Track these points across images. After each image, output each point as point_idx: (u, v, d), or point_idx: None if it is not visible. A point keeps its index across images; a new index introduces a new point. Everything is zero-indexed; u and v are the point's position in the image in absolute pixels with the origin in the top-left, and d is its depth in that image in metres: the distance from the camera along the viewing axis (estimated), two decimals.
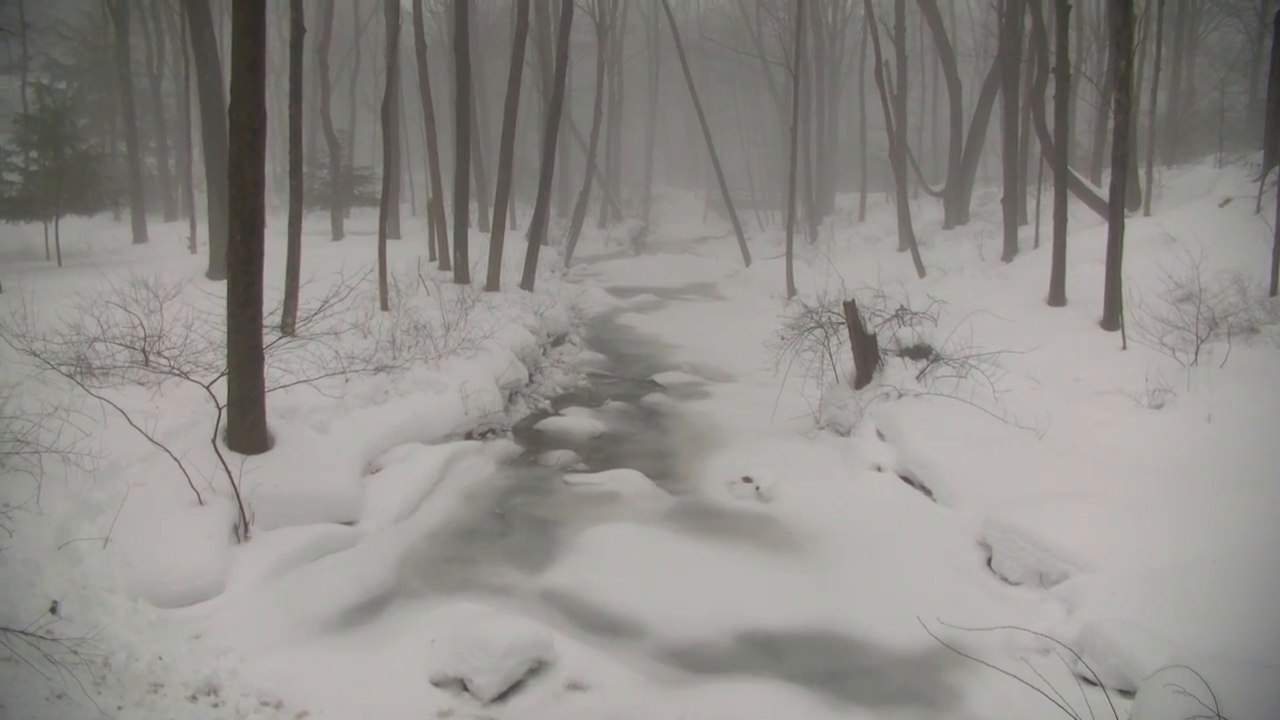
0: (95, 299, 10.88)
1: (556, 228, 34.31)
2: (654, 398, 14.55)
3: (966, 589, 7.78)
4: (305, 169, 25.03)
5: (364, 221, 31.40)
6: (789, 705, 6.07)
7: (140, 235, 24.65)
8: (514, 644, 6.21)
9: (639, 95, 50.96)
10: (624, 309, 24.08)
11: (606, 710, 6.03)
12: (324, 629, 6.94)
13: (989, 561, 8.27)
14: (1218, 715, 4.31)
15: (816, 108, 38.71)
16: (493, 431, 12.24)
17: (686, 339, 19.52)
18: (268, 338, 9.24)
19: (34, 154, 20.80)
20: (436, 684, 6.19)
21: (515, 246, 22.23)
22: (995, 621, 6.75)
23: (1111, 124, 16.02)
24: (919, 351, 12.15)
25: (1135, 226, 15.48)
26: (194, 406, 8.99)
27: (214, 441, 8.40)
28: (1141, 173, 19.74)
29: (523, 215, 33.60)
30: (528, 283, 20.44)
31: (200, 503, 7.81)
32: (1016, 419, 10.16)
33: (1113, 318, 12.89)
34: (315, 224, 26.88)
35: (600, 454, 11.69)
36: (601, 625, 7.17)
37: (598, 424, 12.95)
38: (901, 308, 12.91)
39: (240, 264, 8.42)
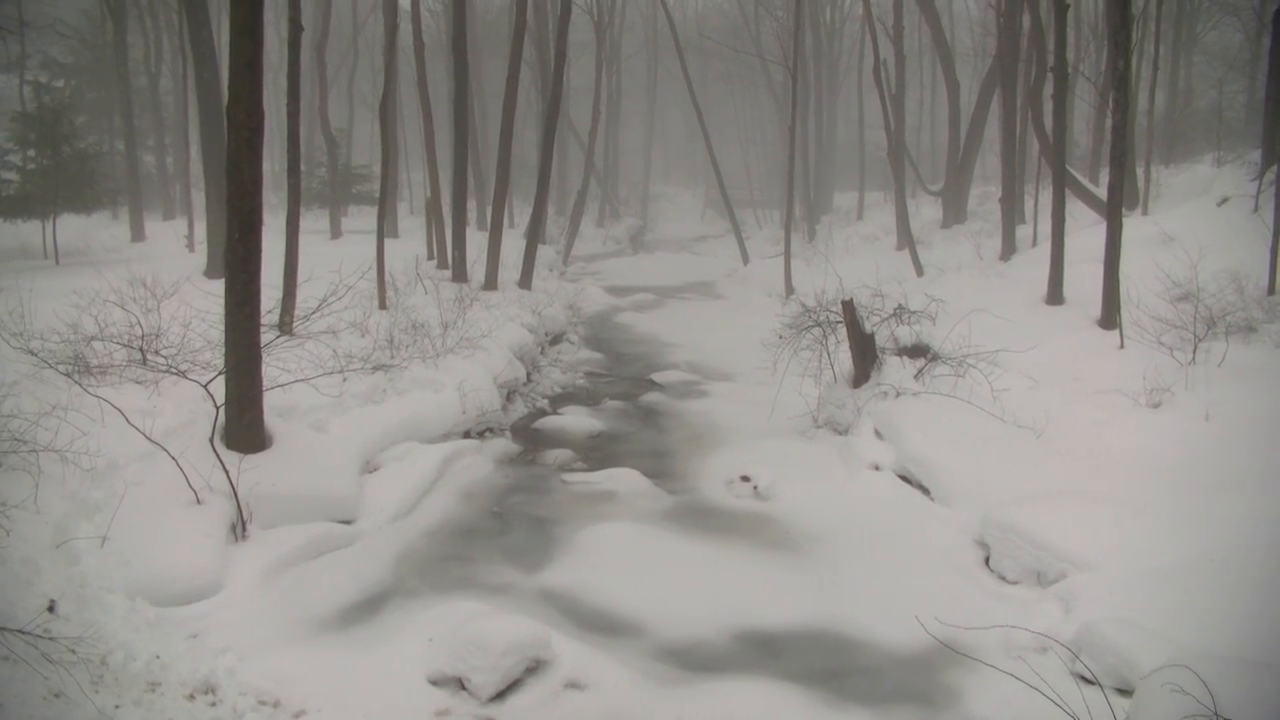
0: (93, 298, 10.88)
1: (555, 226, 34.30)
2: (652, 397, 14.55)
3: (964, 588, 7.78)
4: (303, 167, 25.03)
5: (362, 220, 31.36)
6: (787, 704, 6.07)
7: (138, 234, 24.64)
8: (512, 643, 6.21)
9: (637, 94, 50.97)
10: (622, 308, 24.07)
11: (604, 709, 6.03)
12: (322, 628, 6.93)
13: (987, 560, 8.27)
14: (1215, 714, 4.31)
15: (815, 107, 38.72)
16: (491, 430, 12.24)
17: (684, 338, 19.52)
18: (266, 336, 9.23)
19: (32, 152, 20.78)
20: (434, 683, 6.19)
21: (513, 245, 22.23)
22: (993, 620, 6.75)
23: (1109, 123, 16.01)
24: (917, 350, 12.15)
25: (1133, 225, 15.49)
26: (192, 405, 8.99)
27: (212, 440, 8.39)
28: (1139, 172, 19.76)
29: (521, 214, 33.59)
30: (526, 281, 20.44)
31: (198, 502, 7.81)
32: (1014, 418, 10.16)
33: (1111, 317, 12.90)
34: (313, 223, 26.85)
35: (598, 453, 11.69)
36: (599, 624, 7.17)
37: (596, 423, 12.94)
38: (899, 307, 12.91)
39: (238, 263, 8.41)
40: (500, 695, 6.11)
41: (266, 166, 20.30)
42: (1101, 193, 18.16)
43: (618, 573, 7.94)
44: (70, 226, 21.69)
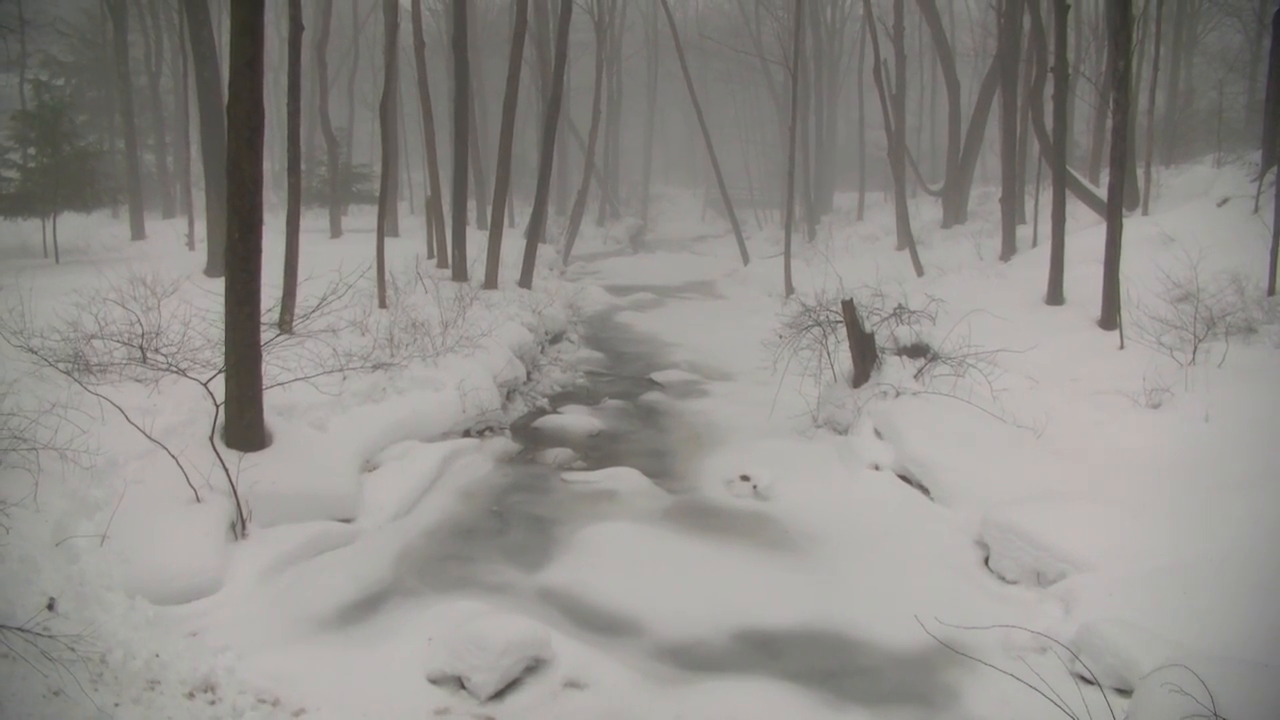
0: (93, 296, 10.87)
1: (555, 226, 34.30)
2: (652, 396, 14.55)
3: (964, 588, 7.78)
4: (303, 166, 25.02)
5: (362, 219, 31.36)
6: (786, 704, 6.07)
7: (138, 232, 24.64)
8: (511, 642, 6.20)
9: (638, 94, 50.96)
10: (622, 307, 24.08)
11: (603, 708, 6.03)
12: (321, 627, 6.93)
13: (986, 560, 8.27)
14: (1214, 714, 4.31)
15: (815, 107, 38.72)
16: (490, 429, 12.24)
17: (684, 337, 19.52)
18: (266, 335, 9.22)
19: (32, 151, 20.80)
20: (434, 682, 6.19)
21: (513, 244, 22.23)
22: (992, 620, 6.75)
23: (1110, 123, 16.01)
24: (917, 350, 12.15)
25: (1133, 226, 15.49)
26: (192, 404, 8.98)
27: (211, 439, 8.39)
28: (1140, 172, 19.77)
29: (521, 213, 33.59)
30: (526, 281, 20.44)
31: (198, 500, 7.81)
32: (1014, 418, 10.16)
33: (1111, 317, 12.90)
34: (313, 222, 26.85)
35: (598, 452, 11.69)
36: (599, 623, 7.17)
37: (596, 422, 12.94)
38: (899, 306, 12.91)
39: (238, 261, 8.41)
40: (499, 694, 6.11)
41: (267, 165, 20.30)
42: (1102, 193, 18.17)
43: (617, 572, 7.94)
44: (70, 225, 21.69)
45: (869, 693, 6.29)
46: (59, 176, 19.99)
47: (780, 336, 13.17)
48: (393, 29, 21.16)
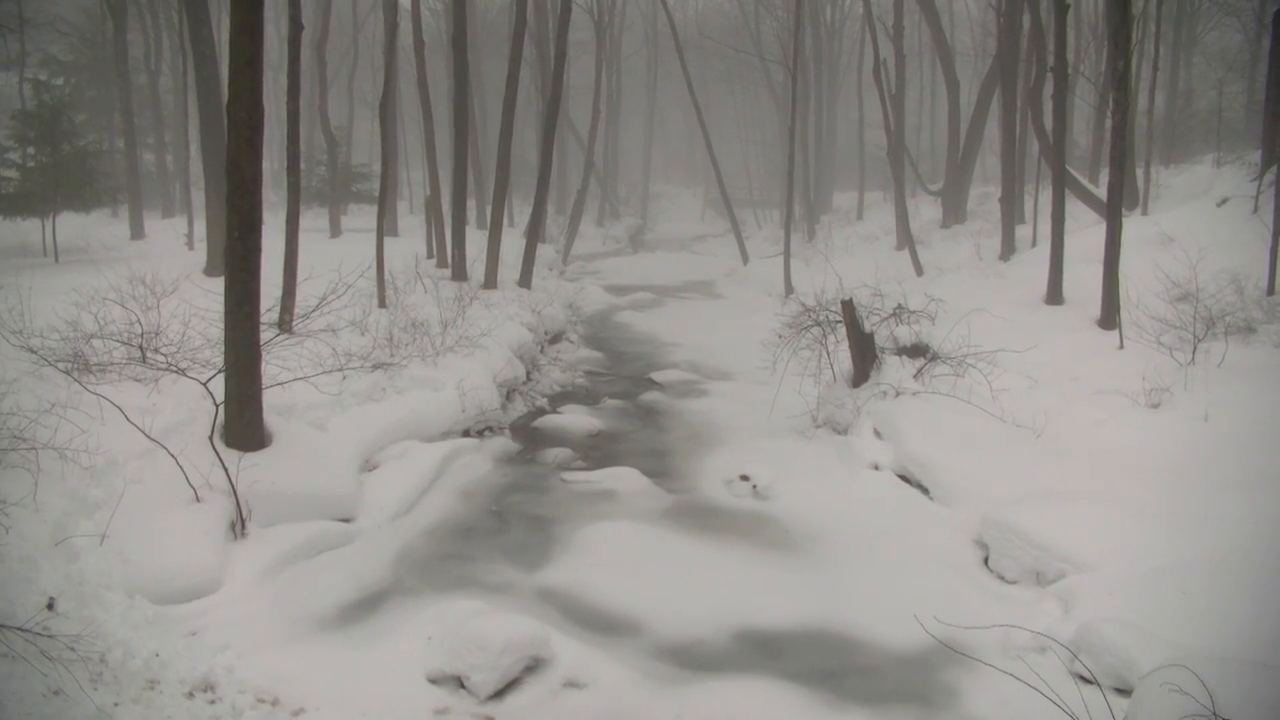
0: (92, 295, 10.87)
1: (554, 225, 34.30)
2: (651, 396, 14.55)
3: (963, 588, 7.78)
4: (303, 166, 25.03)
5: (362, 219, 31.35)
6: (786, 703, 6.07)
7: (138, 232, 24.62)
8: (511, 641, 6.21)
9: (637, 93, 50.96)
10: (622, 307, 24.08)
11: (603, 708, 6.03)
12: (321, 626, 6.93)
13: (986, 560, 8.27)
14: (1214, 715, 4.31)
15: (815, 106, 38.72)
16: (490, 429, 12.24)
17: (684, 337, 19.52)
18: (265, 335, 9.22)
19: (31, 150, 20.78)
20: (433, 681, 6.19)
21: (513, 244, 22.23)
22: (992, 620, 6.75)
23: (1109, 123, 16.02)
24: (916, 350, 12.15)
25: (1133, 226, 15.49)
26: (191, 403, 8.98)
27: (211, 438, 8.39)
28: (1139, 172, 19.77)
29: (521, 213, 33.58)
30: (525, 280, 20.43)
31: (197, 500, 7.81)
32: (1014, 418, 10.17)
33: (1110, 317, 12.90)
34: (313, 221, 26.85)
35: (598, 452, 11.69)
36: (599, 623, 7.17)
37: (595, 422, 12.95)
38: (899, 306, 12.91)
39: (238, 261, 8.41)
40: (499, 694, 6.11)
41: (266, 165, 20.28)
42: (1101, 193, 18.16)
43: (617, 572, 7.94)
44: (70, 224, 21.68)
45: (868, 692, 6.29)
46: (58, 176, 19.97)
47: (780, 336, 13.17)
48: (392, 28, 21.16)
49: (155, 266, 13.16)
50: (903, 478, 10.00)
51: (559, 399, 14.49)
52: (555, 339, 18.75)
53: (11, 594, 5.93)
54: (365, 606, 7.28)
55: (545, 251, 26.59)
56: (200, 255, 18.52)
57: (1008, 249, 20.79)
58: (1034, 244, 19.77)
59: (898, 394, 11.19)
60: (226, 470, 8.01)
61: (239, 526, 7.96)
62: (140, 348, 9.64)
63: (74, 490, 7.44)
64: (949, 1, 40.44)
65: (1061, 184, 15.55)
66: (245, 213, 8.36)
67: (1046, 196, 18.76)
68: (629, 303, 24.71)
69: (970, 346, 11.56)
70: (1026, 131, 22.81)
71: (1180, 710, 4.38)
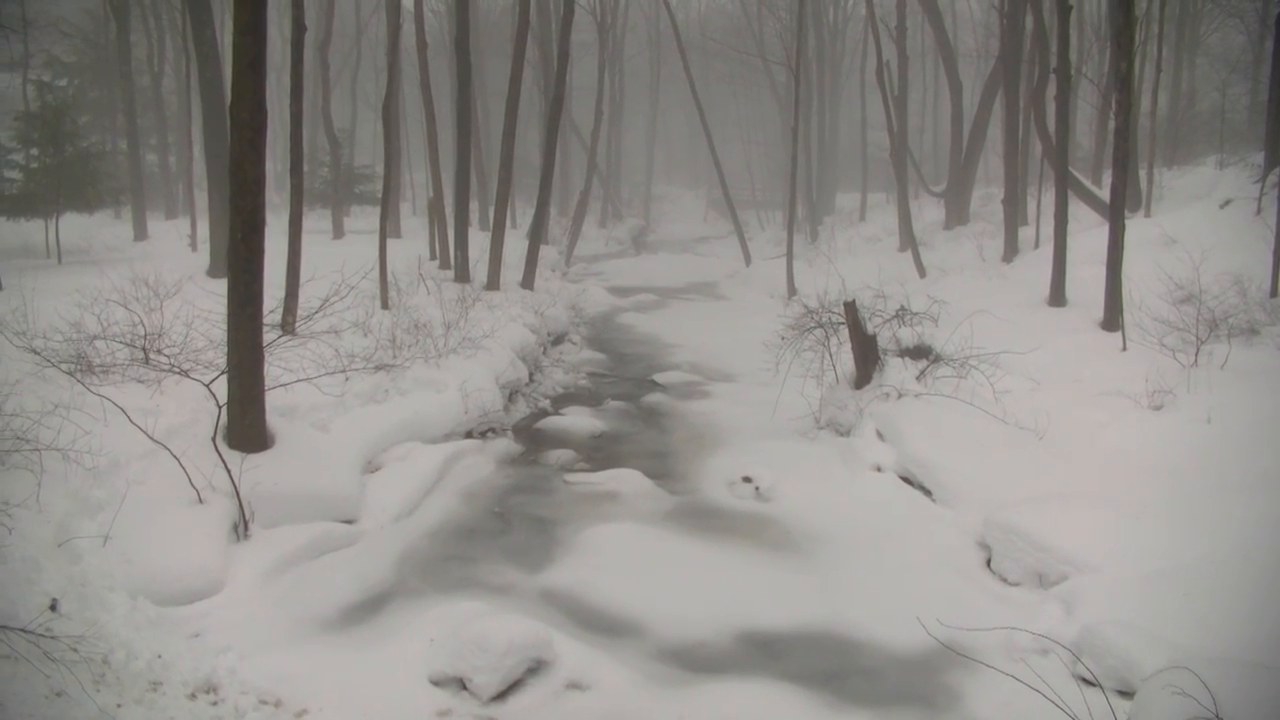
0: (96, 296, 10.89)
1: (557, 227, 34.31)
2: (654, 397, 14.55)
3: (966, 590, 7.78)
4: (306, 167, 25.04)
5: (364, 220, 31.39)
6: (788, 705, 6.07)
7: (141, 233, 24.65)
8: (513, 643, 6.21)
9: (640, 94, 50.96)
10: (624, 308, 24.07)
11: (606, 710, 6.03)
12: (323, 627, 6.94)
13: (988, 562, 8.27)
14: (1216, 717, 4.31)
15: (817, 107, 38.70)
16: (493, 430, 12.24)
17: (687, 338, 19.51)
18: (268, 336, 9.24)
19: (35, 151, 20.81)
20: (436, 683, 6.20)
21: (516, 246, 22.23)
22: (994, 622, 6.75)
23: (1112, 125, 16.01)
24: (919, 352, 12.15)
25: (1136, 228, 15.48)
26: (194, 405, 9.00)
27: (214, 440, 8.39)
28: (1142, 174, 19.74)
29: (523, 214, 33.59)
30: (528, 282, 20.43)
31: (200, 501, 7.82)
32: (1016, 420, 10.16)
33: (1113, 319, 12.89)
34: (316, 222, 26.89)
35: (600, 453, 11.69)
36: (601, 625, 7.18)
37: (598, 423, 12.95)
38: (902, 308, 12.91)
39: (241, 262, 8.42)
40: (501, 695, 6.11)
41: (269, 166, 20.33)
42: (1104, 194, 18.16)
43: (619, 573, 7.94)
44: (73, 225, 21.70)
45: (871, 694, 6.29)
46: (61, 177, 20.00)
47: (782, 338, 13.16)
48: (395, 30, 21.17)
49: (158, 268, 13.19)
50: (905, 479, 10.00)
51: (561, 400, 14.49)
52: (558, 340, 18.75)
53: (14, 595, 5.94)
54: (368, 608, 7.29)
55: (548, 253, 26.60)
56: (203, 256, 18.54)
57: (1010, 250, 20.77)
58: (1037, 245, 19.75)
59: (900, 396, 11.18)
60: (229, 471, 8.02)
61: (241, 528, 7.97)
62: (143, 349, 9.66)
63: (77, 491, 7.45)
64: (952, 2, 40.40)
65: (1064, 185, 15.54)
66: (248, 214, 8.37)
67: (1049, 198, 18.73)
68: (631, 304, 24.71)
69: (973, 348, 11.56)
70: (1029, 133, 22.79)
71: (1183, 712, 4.38)
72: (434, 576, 7.90)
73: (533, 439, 12.29)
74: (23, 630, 5.44)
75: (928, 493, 9.64)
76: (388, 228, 16.81)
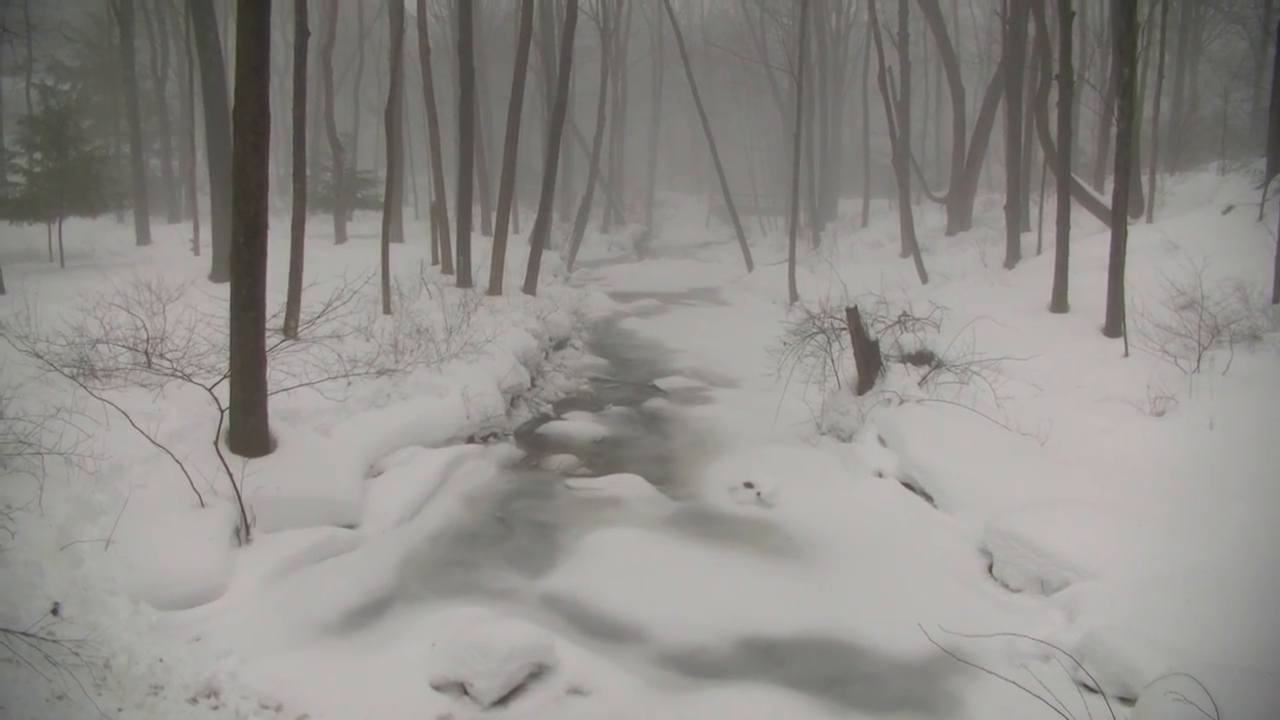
0: (98, 301, 10.91)
1: (559, 232, 34.33)
2: (656, 403, 14.55)
3: (967, 596, 7.77)
4: (308, 172, 25.00)
5: (367, 225, 31.44)
6: (789, 711, 6.06)
7: (143, 237, 24.68)
8: (515, 648, 6.21)
9: (642, 100, 51.00)
10: (626, 314, 24.09)
11: (607, 715, 6.02)
12: (325, 632, 6.94)
13: (990, 568, 8.26)
14: None
15: (820, 113, 38.73)
16: (494, 435, 12.24)
17: (688, 344, 19.52)
18: (270, 340, 9.24)
19: (38, 155, 20.85)
20: (437, 688, 6.19)
21: (518, 251, 22.25)
22: (996, 628, 6.74)
23: (1114, 131, 16.01)
24: (921, 358, 12.15)
25: (1138, 233, 15.48)
26: (196, 409, 9.00)
27: (216, 444, 8.40)
28: (1144, 180, 19.74)
29: (525, 220, 33.63)
30: (530, 287, 20.45)
31: (202, 505, 7.82)
32: (1018, 426, 10.15)
33: (1115, 325, 12.88)
34: (318, 227, 26.90)
35: (602, 458, 11.69)
36: (602, 630, 7.17)
37: (599, 428, 12.95)
38: (904, 314, 12.91)
39: (243, 267, 8.43)
40: (503, 700, 6.11)
41: (272, 170, 20.29)
42: (1106, 200, 18.14)
43: (621, 578, 7.93)
44: (76, 229, 21.74)
45: (872, 700, 6.28)
46: (64, 181, 20.04)
47: (784, 343, 13.17)
48: (398, 35, 21.22)
49: (161, 272, 13.22)
50: (907, 485, 9.99)
51: (563, 405, 14.49)
52: (560, 345, 18.76)
53: (16, 599, 5.94)
54: (369, 612, 7.29)
55: (550, 258, 26.62)
56: (206, 261, 18.57)
57: (1013, 256, 20.76)
58: (1039, 251, 19.74)
59: (902, 401, 11.18)
60: (231, 476, 8.02)
61: (243, 532, 7.97)
62: (146, 353, 9.67)
63: (79, 495, 7.46)
64: (954, 8, 40.49)
65: (1066, 191, 15.53)
66: (251, 218, 8.39)
67: (1051, 204, 18.73)
68: (634, 309, 24.72)
69: (975, 354, 11.56)
70: (1031, 139, 22.80)
71: (1185, 718, 4.38)
72: (435, 581, 7.90)
73: (534, 444, 12.29)
74: (24, 634, 5.44)
75: (929, 499, 9.63)
76: (390, 232, 16.83)
